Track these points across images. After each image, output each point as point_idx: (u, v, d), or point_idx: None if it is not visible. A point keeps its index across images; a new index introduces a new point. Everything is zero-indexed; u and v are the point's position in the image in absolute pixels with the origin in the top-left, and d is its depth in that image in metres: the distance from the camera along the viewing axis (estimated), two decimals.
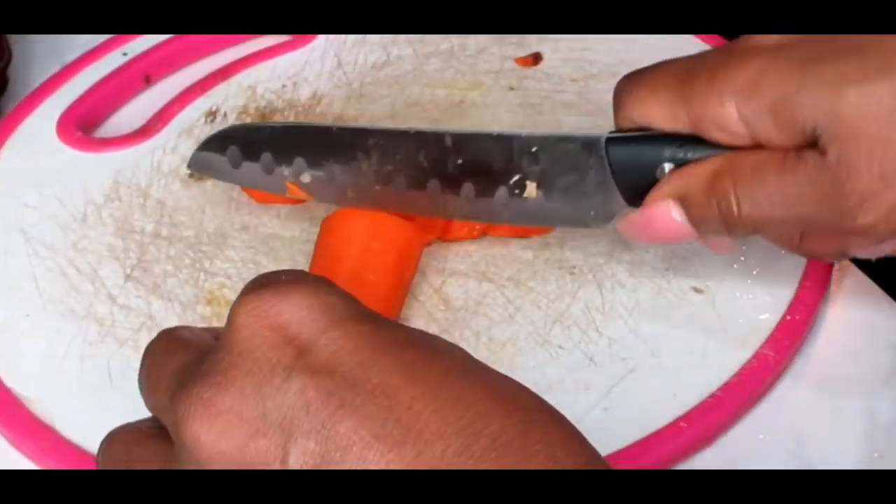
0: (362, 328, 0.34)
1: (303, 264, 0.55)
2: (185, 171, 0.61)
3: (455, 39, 0.68)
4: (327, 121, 0.63)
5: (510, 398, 0.34)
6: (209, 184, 0.60)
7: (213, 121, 0.64)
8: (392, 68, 0.67)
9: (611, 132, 0.47)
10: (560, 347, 0.51)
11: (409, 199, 0.51)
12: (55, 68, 0.68)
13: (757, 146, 0.43)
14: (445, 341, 0.37)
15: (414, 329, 0.36)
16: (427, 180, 0.51)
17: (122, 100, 0.67)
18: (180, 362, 0.36)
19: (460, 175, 0.50)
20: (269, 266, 0.55)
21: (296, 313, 0.34)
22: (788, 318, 0.51)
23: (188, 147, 0.62)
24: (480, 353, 0.51)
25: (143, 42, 0.68)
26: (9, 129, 0.64)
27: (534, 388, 0.49)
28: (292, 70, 0.67)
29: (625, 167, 0.46)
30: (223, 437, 0.34)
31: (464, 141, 0.49)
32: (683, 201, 0.45)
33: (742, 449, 0.49)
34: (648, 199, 0.46)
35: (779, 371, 0.51)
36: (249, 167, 0.53)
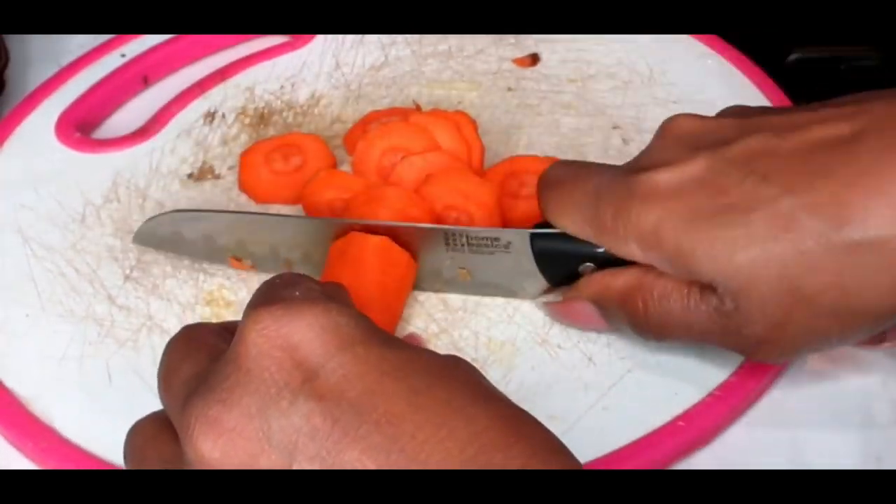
0: (370, 352, 0.35)
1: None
2: (183, 171, 0.61)
3: (453, 40, 0.68)
4: (326, 122, 0.63)
5: (514, 428, 0.35)
6: (208, 185, 0.60)
7: (211, 122, 0.64)
8: (390, 69, 0.67)
9: (535, 225, 0.50)
10: (559, 347, 0.51)
11: None
12: (53, 70, 0.68)
13: None
14: (453, 360, 0.37)
15: (422, 351, 0.37)
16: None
17: (120, 101, 0.67)
18: (192, 369, 0.37)
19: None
20: None
21: (306, 335, 0.35)
22: None
23: (187, 148, 0.62)
24: (480, 353, 0.51)
25: (142, 43, 0.68)
26: (7, 130, 0.64)
27: (533, 388, 0.50)
28: (291, 71, 0.67)
29: (548, 260, 0.50)
30: (226, 456, 0.34)
31: (398, 231, 0.51)
32: (598, 305, 0.49)
33: (740, 449, 0.49)
34: (568, 295, 0.50)
35: (777, 370, 0.51)
36: (191, 244, 0.55)
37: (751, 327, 0.44)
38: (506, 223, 0.54)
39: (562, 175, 0.50)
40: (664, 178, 0.45)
